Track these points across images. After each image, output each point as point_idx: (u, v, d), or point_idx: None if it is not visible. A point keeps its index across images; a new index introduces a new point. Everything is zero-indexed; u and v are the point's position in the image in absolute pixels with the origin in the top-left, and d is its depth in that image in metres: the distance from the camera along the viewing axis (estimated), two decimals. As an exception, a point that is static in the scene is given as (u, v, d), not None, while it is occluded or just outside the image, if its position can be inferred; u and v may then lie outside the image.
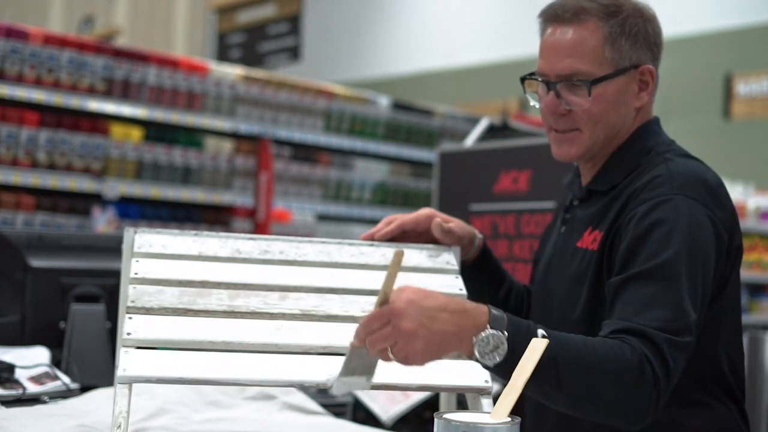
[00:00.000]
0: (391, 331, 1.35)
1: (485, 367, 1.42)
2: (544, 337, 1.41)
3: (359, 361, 1.40)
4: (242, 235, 1.74)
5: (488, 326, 1.39)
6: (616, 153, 1.78)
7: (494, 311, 1.41)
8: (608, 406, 1.47)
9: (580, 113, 1.74)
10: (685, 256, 1.57)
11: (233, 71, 5.72)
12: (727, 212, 1.67)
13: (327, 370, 1.51)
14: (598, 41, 1.72)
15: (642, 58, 1.75)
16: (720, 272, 1.65)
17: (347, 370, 1.40)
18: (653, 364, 1.47)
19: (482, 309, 1.41)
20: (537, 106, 1.82)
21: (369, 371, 1.41)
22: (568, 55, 1.72)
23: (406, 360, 1.37)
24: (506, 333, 1.39)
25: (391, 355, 1.36)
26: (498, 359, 1.39)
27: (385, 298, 1.36)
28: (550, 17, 1.77)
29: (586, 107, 1.72)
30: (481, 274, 1.92)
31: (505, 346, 1.39)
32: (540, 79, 1.78)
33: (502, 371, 1.40)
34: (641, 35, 1.75)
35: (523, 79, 1.83)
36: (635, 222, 1.62)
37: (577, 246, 1.76)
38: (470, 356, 1.40)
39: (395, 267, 1.33)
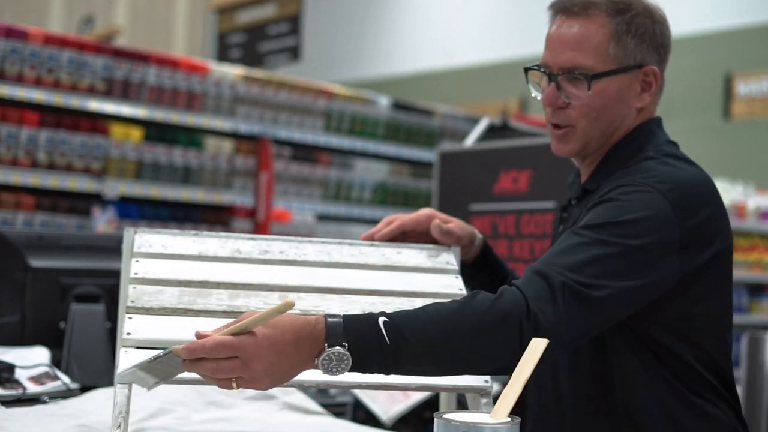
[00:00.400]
0: (238, 366, 1.32)
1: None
2: (385, 323, 1.40)
3: (167, 366, 1.34)
4: (242, 235, 1.74)
5: (325, 346, 1.38)
6: (611, 152, 1.78)
7: (330, 325, 1.38)
8: (482, 359, 1.45)
9: (579, 107, 1.73)
10: (622, 231, 1.56)
11: (233, 71, 5.72)
12: (699, 217, 1.63)
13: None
14: (604, 36, 1.72)
15: (647, 59, 1.75)
16: (679, 273, 1.61)
17: (149, 368, 1.34)
18: (528, 301, 1.46)
19: (320, 327, 1.38)
20: (538, 97, 1.82)
21: (166, 378, 1.37)
22: (572, 48, 1.72)
23: (246, 388, 1.36)
24: (345, 344, 1.37)
25: (232, 384, 1.34)
26: (346, 369, 1.39)
27: (242, 330, 1.32)
28: (558, 9, 1.77)
29: (585, 101, 1.72)
30: (481, 273, 1.92)
31: (347, 355, 1.38)
32: (543, 70, 1.78)
33: (361, 371, 1.41)
34: (648, 35, 1.74)
35: (526, 70, 1.83)
36: (596, 202, 1.64)
37: None
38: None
39: (274, 313, 1.31)
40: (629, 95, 1.75)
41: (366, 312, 1.44)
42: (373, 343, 1.40)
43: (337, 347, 1.38)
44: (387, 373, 1.43)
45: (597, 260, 1.53)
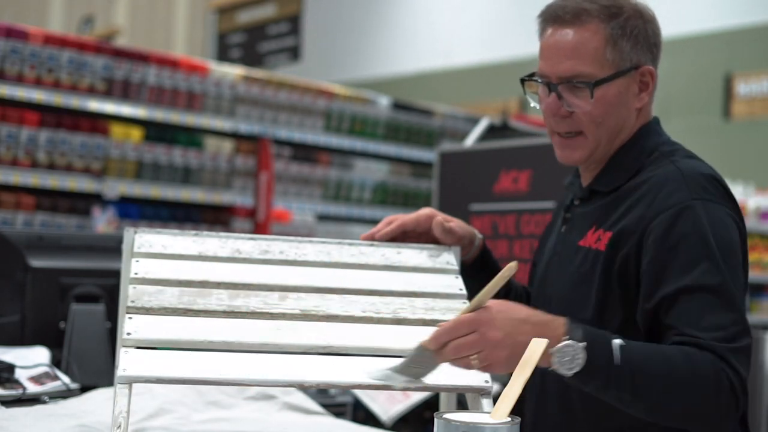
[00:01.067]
0: (477, 339, 1.40)
1: (565, 377, 1.46)
2: (621, 346, 1.46)
3: (421, 363, 1.43)
4: (242, 235, 1.74)
5: (566, 337, 1.44)
6: (617, 154, 1.78)
7: (571, 324, 1.46)
8: (687, 414, 1.50)
9: (582, 115, 1.73)
10: (721, 262, 1.58)
11: (233, 71, 5.72)
12: (738, 206, 1.69)
13: (327, 370, 1.51)
14: (600, 43, 1.71)
15: (642, 59, 1.75)
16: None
17: (404, 369, 1.44)
18: (727, 372, 1.49)
19: (560, 320, 1.47)
20: (537, 107, 1.82)
21: (417, 376, 1.45)
22: (570, 57, 1.72)
23: (488, 368, 1.44)
24: (583, 343, 1.44)
25: (472, 362, 1.41)
26: (576, 369, 1.44)
27: (476, 307, 1.41)
28: (550, 18, 1.76)
29: (588, 109, 1.72)
30: (480, 273, 1.92)
31: (583, 355, 1.43)
32: (540, 80, 1.77)
33: (581, 379, 1.46)
34: (641, 36, 1.75)
35: (523, 81, 1.83)
36: (661, 234, 1.61)
37: (579, 245, 1.76)
38: (549, 366, 1.45)
39: (501, 280, 1.39)
40: (628, 97, 1.75)
41: (601, 330, 1.50)
42: (604, 357, 1.45)
43: (578, 343, 1.43)
44: (598, 392, 1.49)
45: (729, 307, 1.56)
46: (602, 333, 1.49)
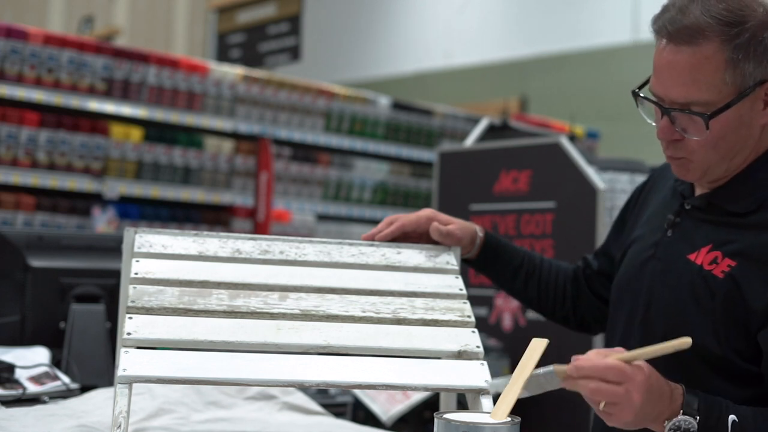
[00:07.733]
0: (621, 393, 1.37)
1: None
2: (734, 423, 1.45)
3: (543, 381, 1.40)
4: (242, 235, 1.74)
5: (681, 412, 1.44)
6: (744, 172, 1.63)
7: (688, 396, 1.45)
8: None
9: (694, 141, 1.58)
10: None
11: (233, 71, 5.72)
12: None
13: (327, 370, 1.52)
14: (718, 66, 1.52)
15: None
16: None
17: (529, 382, 1.41)
18: None
19: (678, 392, 1.45)
20: (652, 124, 1.65)
21: (535, 391, 1.43)
22: (684, 83, 1.54)
23: (608, 417, 1.40)
24: (697, 417, 1.44)
25: (599, 406, 1.39)
26: None
27: (630, 359, 1.39)
28: (662, 30, 1.57)
29: (702, 138, 1.56)
30: (487, 268, 1.94)
31: (695, 430, 1.43)
32: (653, 99, 1.61)
33: None
34: None
35: (635, 95, 1.65)
36: None
37: (687, 258, 1.63)
38: None
39: (673, 348, 1.37)
40: (751, 116, 1.58)
41: (717, 401, 1.48)
42: None
43: (692, 419, 1.43)
44: None
45: None
46: (718, 406, 1.46)
